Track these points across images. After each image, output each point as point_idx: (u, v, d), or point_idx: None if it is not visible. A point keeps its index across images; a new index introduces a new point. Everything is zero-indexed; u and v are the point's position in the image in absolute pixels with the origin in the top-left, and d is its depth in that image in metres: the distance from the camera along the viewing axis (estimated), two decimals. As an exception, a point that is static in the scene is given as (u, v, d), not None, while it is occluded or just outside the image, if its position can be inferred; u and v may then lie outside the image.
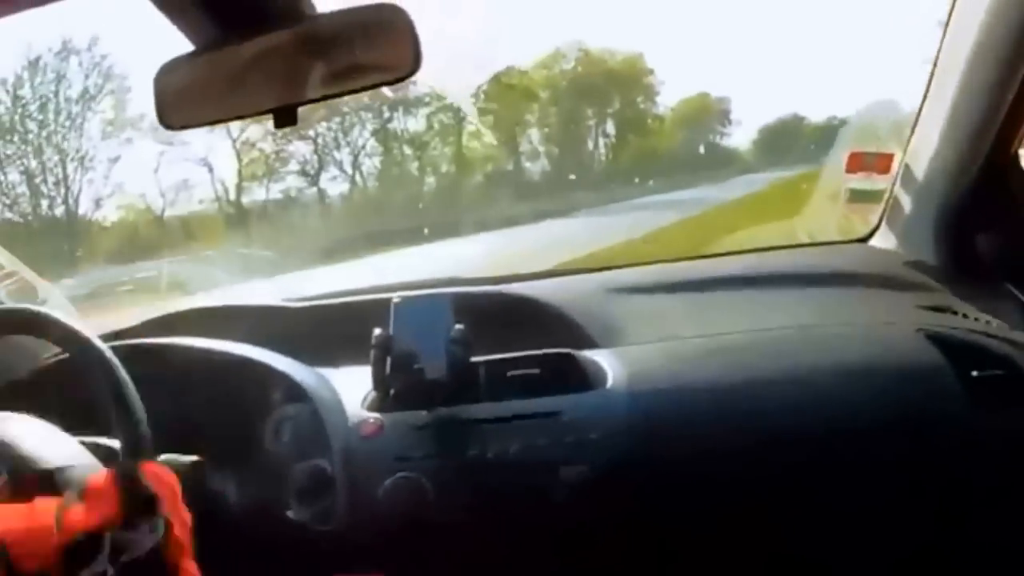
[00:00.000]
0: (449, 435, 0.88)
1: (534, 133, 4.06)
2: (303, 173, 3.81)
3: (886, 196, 1.19)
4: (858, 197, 1.22)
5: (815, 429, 0.87)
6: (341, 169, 3.81)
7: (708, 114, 4.14)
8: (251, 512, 0.87)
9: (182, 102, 0.61)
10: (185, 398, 0.88)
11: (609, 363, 0.95)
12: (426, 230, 3.15)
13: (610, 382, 0.92)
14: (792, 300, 1.11)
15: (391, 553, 0.85)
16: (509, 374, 0.95)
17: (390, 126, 3.89)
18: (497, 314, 1.07)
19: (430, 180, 4.10)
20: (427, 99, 3.78)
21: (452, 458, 0.86)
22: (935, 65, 1.02)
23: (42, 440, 0.72)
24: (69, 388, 0.80)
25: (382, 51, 0.58)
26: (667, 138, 4.18)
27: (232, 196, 3.68)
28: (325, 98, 0.61)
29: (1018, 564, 0.86)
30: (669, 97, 4.14)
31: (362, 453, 0.87)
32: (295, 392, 0.91)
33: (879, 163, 1.15)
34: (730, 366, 0.94)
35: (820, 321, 1.04)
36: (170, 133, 3.22)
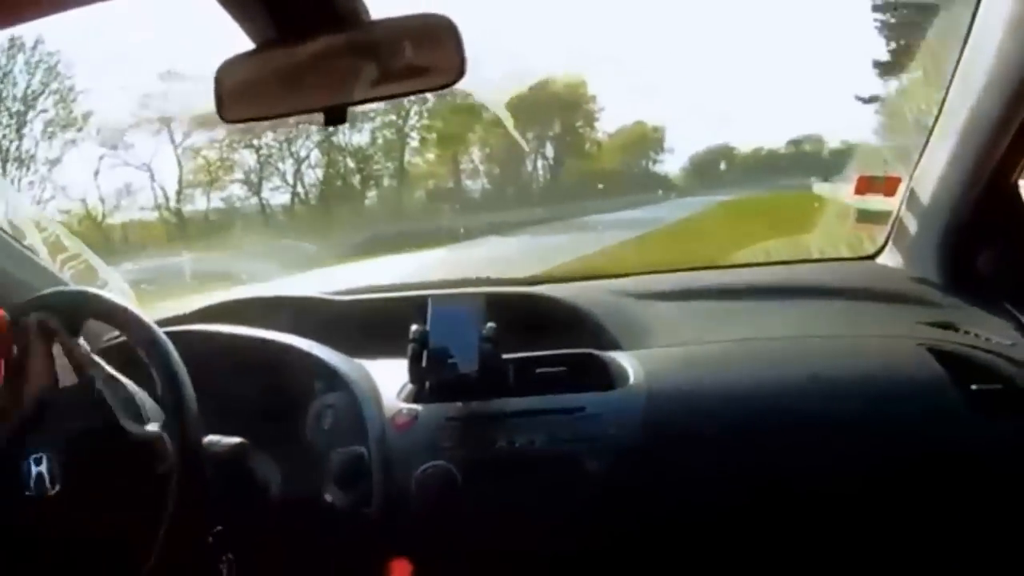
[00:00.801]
0: (479, 427, 0.89)
1: (477, 152, 4.09)
2: (246, 182, 3.64)
3: (893, 217, 1.19)
4: (865, 217, 1.24)
5: (821, 434, 0.87)
6: (284, 180, 3.76)
7: (643, 141, 4.27)
8: (290, 493, 0.87)
9: (240, 97, 0.61)
10: (232, 383, 0.89)
11: (630, 364, 0.95)
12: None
13: (631, 382, 0.92)
14: (803, 311, 1.12)
15: (422, 536, 0.86)
16: (537, 371, 0.96)
17: (334, 139, 3.86)
18: (527, 314, 1.08)
19: (371, 194, 4.09)
20: (372, 114, 3.75)
21: (481, 448, 0.87)
22: (944, 99, 1.05)
23: None
24: (126, 370, 0.80)
25: (430, 58, 0.59)
26: (605, 161, 4.29)
27: (173, 202, 3.48)
28: (374, 100, 0.62)
29: (1015, 567, 0.85)
30: (608, 123, 4.26)
31: (397, 442, 0.88)
32: (336, 381, 0.92)
33: (887, 186, 1.16)
34: (742, 371, 0.95)
35: (829, 332, 1.05)
36: (113, 136, 3.09)
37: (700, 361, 0.99)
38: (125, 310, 0.78)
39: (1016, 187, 1.05)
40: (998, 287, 1.06)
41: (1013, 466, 0.84)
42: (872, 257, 1.26)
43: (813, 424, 0.88)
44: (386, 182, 4.14)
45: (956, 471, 0.85)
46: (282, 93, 0.61)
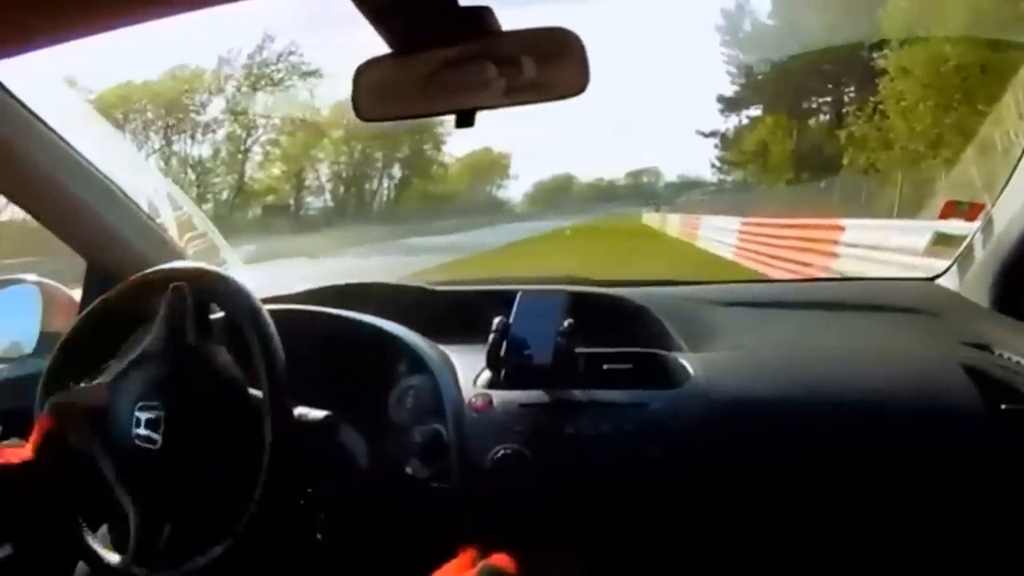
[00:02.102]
0: (550, 414, 0.91)
1: (323, 169, 4.02)
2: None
3: (966, 242, 1.17)
4: (941, 240, 1.21)
5: (860, 441, 0.89)
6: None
7: (490, 167, 4.21)
8: (374, 463, 0.90)
9: (376, 97, 0.62)
10: (324, 360, 0.91)
11: (692, 365, 0.96)
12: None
13: (692, 382, 0.93)
14: (857, 326, 1.12)
15: (493, 513, 0.88)
16: (604, 367, 0.97)
17: (175, 147, 3.79)
18: (602, 313, 1.10)
19: (207, 207, 4.00)
20: (214, 126, 3.66)
21: (551, 434, 0.89)
22: None
23: None
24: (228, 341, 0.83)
25: (556, 70, 0.59)
26: (450, 184, 4.26)
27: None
28: (502, 106, 0.61)
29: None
30: (456, 147, 4.17)
31: (474, 423, 0.90)
32: (420, 364, 0.94)
33: (971, 212, 1.14)
34: (794, 378, 0.95)
35: (878, 345, 1.05)
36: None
37: (757, 366, 0.99)
38: (235, 285, 0.80)
39: None
40: None
41: None
42: (933, 279, 1.24)
43: (858, 431, 0.89)
44: (224, 196, 4.11)
45: (983, 477, 0.87)
46: (415, 95, 0.62)
